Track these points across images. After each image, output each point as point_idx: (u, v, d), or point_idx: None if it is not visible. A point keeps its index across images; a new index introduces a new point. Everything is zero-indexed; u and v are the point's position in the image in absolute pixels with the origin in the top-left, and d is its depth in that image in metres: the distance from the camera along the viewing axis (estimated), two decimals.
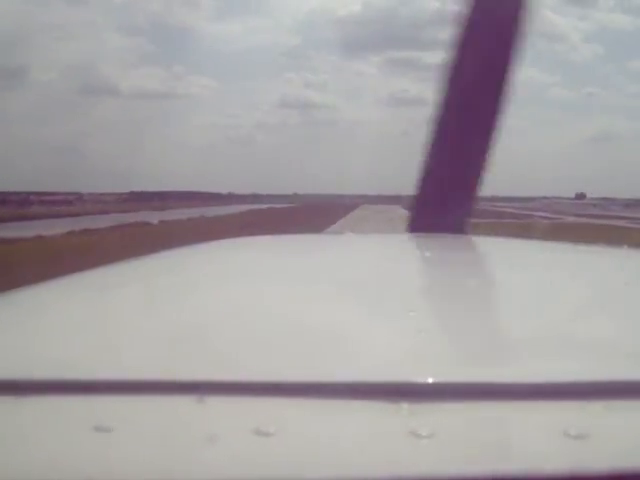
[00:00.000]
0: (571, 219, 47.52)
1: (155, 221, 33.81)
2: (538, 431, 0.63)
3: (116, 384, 0.72)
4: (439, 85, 2.66)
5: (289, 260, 1.91)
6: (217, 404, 0.68)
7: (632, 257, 2.07)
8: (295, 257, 1.98)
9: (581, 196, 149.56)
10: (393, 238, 3.05)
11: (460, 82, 2.64)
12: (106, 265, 1.68)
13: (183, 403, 0.68)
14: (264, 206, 65.55)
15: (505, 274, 1.66)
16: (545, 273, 1.62)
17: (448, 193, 2.73)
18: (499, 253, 2.21)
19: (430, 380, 0.72)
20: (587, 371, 0.78)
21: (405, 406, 0.67)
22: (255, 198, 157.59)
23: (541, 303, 1.21)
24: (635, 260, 1.97)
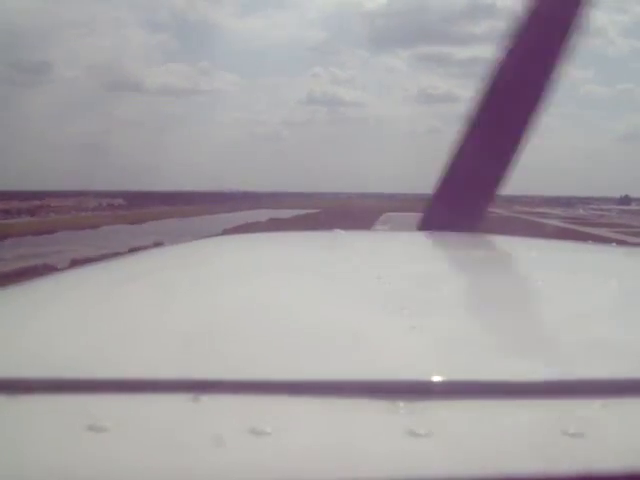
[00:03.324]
0: None
1: (66, 264, 23.86)
2: (536, 429, 0.63)
3: (110, 383, 0.71)
4: (481, 82, 2.60)
5: (285, 258, 1.88)
6: (213, 403, 0.66)
7: (632, 257, 2.07)
8: (292, 255, 1.95)
9: (626, 200, 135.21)
10: (399, 236, 2.99)
11: (504, 81, 2.57)
12: (97, 263, 1.72)
13: (178, 402, 0.66)
14: (263, 217, 54.51)
15: (507, 273, 1.64)
16: (547, 273, 1.62)
17: (469, 192, 2.67)
18: (507, 252, 2.19)
19: (427, 378, 0.71)
20: (585, 369, 0.77)
21: (402, 404, 0.66)
22: (271, 197, 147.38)
23: (541, 302, 1.22)
24: (634, 260, 1.97)
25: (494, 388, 0.70)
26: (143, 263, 1.79)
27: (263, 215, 59.14)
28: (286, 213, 64.87)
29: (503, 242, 2.60)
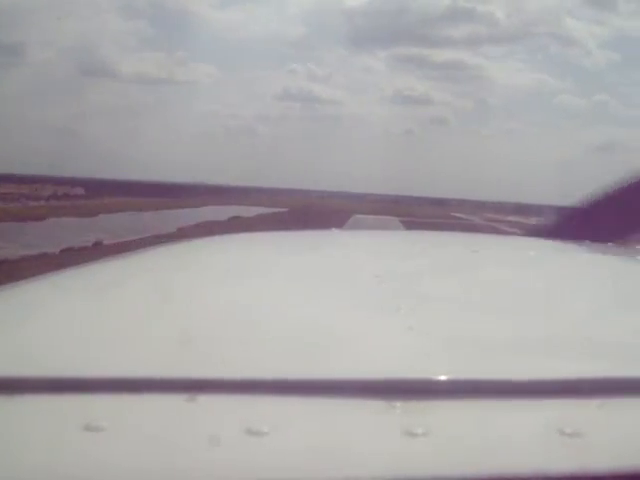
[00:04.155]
0: None
1: None
2: (533, 429, 0.63)
3: (106, 382, 0.71)
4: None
5: (281, 258, 1.89)
6: (209, 403, 0.66)
7: (628, 257, 2.09)
8: (287, 254, 1.99)
9: None
10: (395, 235, 3.04)
11: None
12: (95, 262, 1.74)
13: (174, 402, 0.66)
14: (224, 215, 51.20)
15: (502, 273, 1.63)
16: (543, 273, 1.63)
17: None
18: (500, 251, 2.17)
19: (424, 378, 0.71)
20: (582, 369, 0.77)
21: (399, 404, 0.66)
22: (241, 192, 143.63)
23: (537, 302, 1.22)
24: (630, 260, 1.99)
25: (491, 388, 0.70)
26: (139, 263, 1.76)
27: (226, 212, 56.09)
28: (252, 211, 61.95)
29: (497, 241, 2.60)
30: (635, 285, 1.48)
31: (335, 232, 2.47)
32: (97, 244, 26.99)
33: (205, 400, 0.66)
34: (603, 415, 0.66)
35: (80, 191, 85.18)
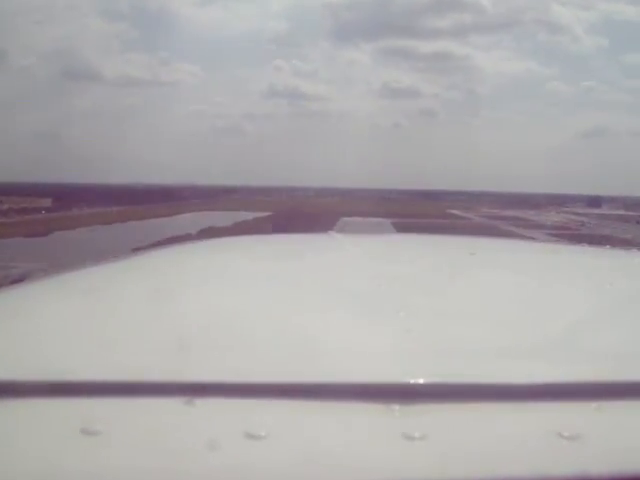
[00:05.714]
0: None
1: None
2: (532, 432, 0.63)
3: (104, 386, 0.71)
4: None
5: (279, 262, 1.89)
6: (207, 406, 0.66)
7: (626, 260, 2.04)
8: (285, 258, 1.99)
9: (597, 201, 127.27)
10: (391, 239, 3.06)
11: None
12: (92, 265, 1.73)
13: (172, 405, 0.66)
14: (196, 226, 46.02)
15: (500, 277, 1.63)
16: (541, 277, 1.60)
17: None
18: (499, 254, 2.14)
19: (422, 382, 0.71)
20: (580, 373, 0.78)
21: (397, 408, 0.66)
22: (228, 193, 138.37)
23: (536, 306, 1.22)
24: (628, 264, 1.96)
25: (489, 391, 0.70)
26: (138, 266, 1.75)
27: (201, 222, 51.14)
28: (230, 217, 57.54)
29: (496, 244, 2.59)
30: (633, 288, 1.48)
31: (332, 235, 2.39)
32: (16, 281, 21.78)
33: (204, 404, 0.66)
34: (601, 418, 0.66)
35: (47, 203, 79.24)
